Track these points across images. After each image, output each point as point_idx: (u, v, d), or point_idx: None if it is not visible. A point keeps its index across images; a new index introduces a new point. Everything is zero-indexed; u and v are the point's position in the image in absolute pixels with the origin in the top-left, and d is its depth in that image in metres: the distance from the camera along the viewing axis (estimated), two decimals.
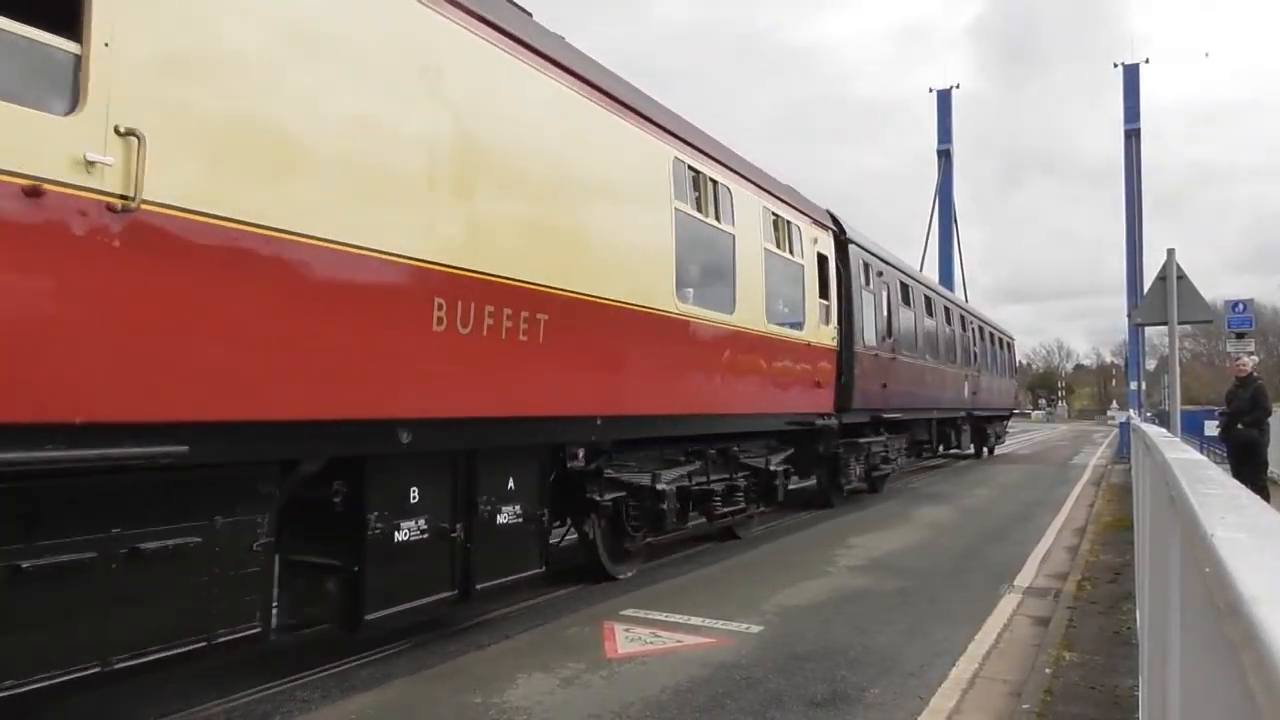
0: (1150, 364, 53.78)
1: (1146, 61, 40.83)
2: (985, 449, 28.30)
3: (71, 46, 3.61)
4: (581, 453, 7.21)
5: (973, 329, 23.98)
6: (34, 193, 3.36)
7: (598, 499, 7.72)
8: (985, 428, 27.07)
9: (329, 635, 6.38)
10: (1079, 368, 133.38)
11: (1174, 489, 2.20)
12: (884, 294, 14.82)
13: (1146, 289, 12.79)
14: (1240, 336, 17.66)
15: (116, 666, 3.83)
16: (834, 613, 7.31)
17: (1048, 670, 5.56)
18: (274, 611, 4.75)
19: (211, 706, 4.87)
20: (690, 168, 8.61)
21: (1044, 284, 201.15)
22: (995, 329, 28.07)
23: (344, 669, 5.57)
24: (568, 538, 8.53)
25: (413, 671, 5.58)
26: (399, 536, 5.35)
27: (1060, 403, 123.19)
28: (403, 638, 6.26)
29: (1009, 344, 31.11)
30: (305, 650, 5.94)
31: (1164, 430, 8.07)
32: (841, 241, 13.12)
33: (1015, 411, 34.88)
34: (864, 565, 9.47)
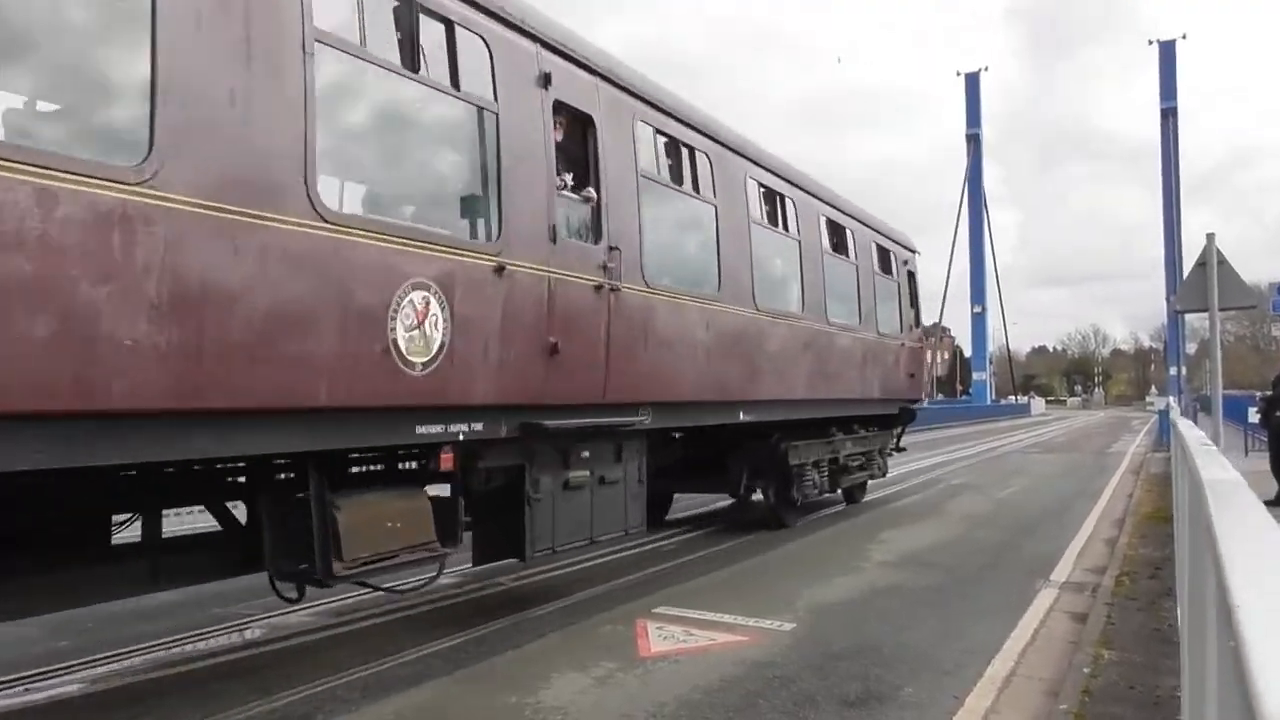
0: (1191, 348, 52.91)
1: (1183, 38, 39.95)
2: (800, 494, 11.30)
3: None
4: None
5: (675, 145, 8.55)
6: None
7: None
8: (763, 454, 10.73)
9: (368, 633, 6.50)
10: (1116, 353, 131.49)
11: (1206, 524, 2.18)
12: None
13: (1186, 273, 12.54)
14: None
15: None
16: (867, 609, 7.29)
17: (1086, 669, 5.51)
18: None
19: (254, 706, 4.96)
20: None
21: (1079, 267, 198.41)
22: (823, 198, 11.78)
23: (381, 669, 5.65)
24: None
25: (448, 671, 5.65)
26: None
27: (1096, 389, 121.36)
28: (438, 637, 6.33)
29: (894, 258, 14.41)
30: (343, 649, 6.04)
31: (1201, 435, 7.87)
32: None
33: (920, 404, 16.23)
34: (896, 560, 9.42)
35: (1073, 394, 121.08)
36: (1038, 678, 5.56)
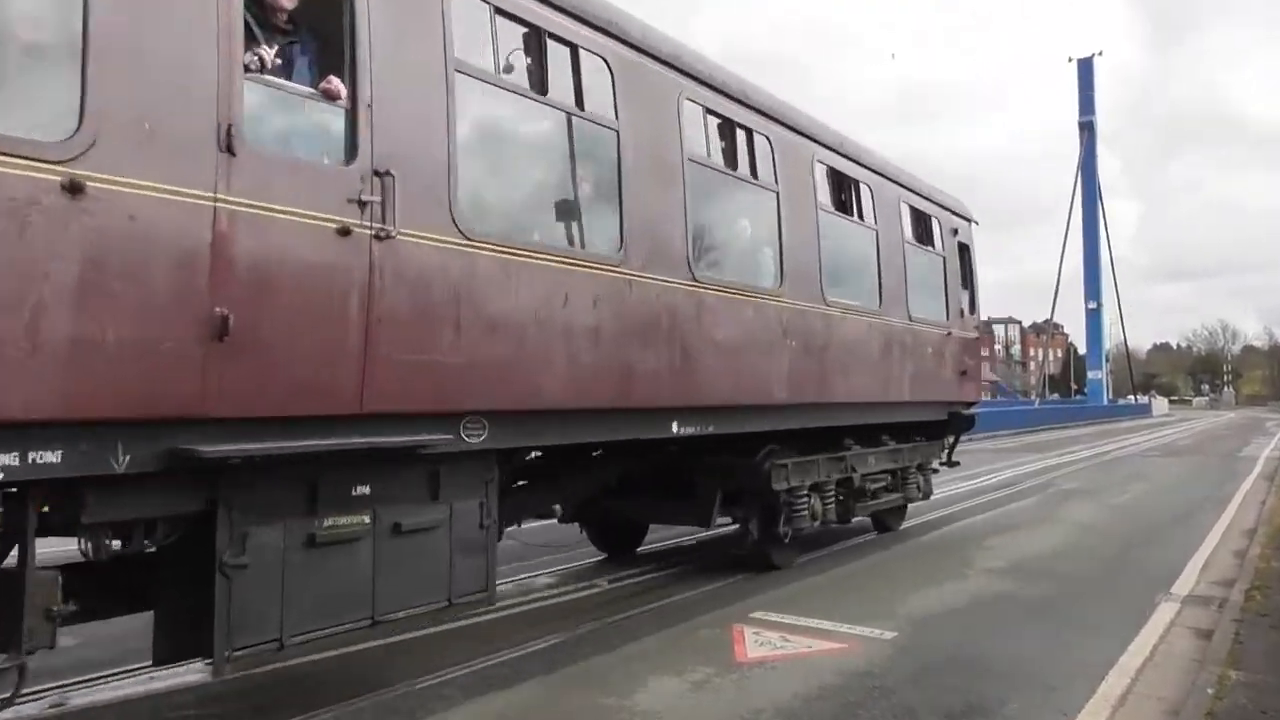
0: None
1: None
2: (790, 527, 8.65)
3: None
4: None
5: None
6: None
7: None
8: (742, 474, 8.29)
9: (466, 631, 6.66)
10: (1248, 349, 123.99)
11: None
12: None
13: None
14: None
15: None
16: (971, 619, 7.07)
17: (1210, 690, 5.19)
18: None
19: (360, 700, 5.14)
20: None
21: (1205, 259, 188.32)
22: (821, 139, 9.08)
23: (481, 667, 5.77)
24: None
25: (546, 671, 5.73)
26: None
27: (1225, 388, 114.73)
28: (536, 637, 6.43)
29: (939, 226, 11.54)
30: (444, 647, 6.19)
31: None
32: None
33: (972, 407, 12.58)
34: (1004, 568, 9.11)
35: (1199, 393, 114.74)
36: (1155, 697, 5.28)
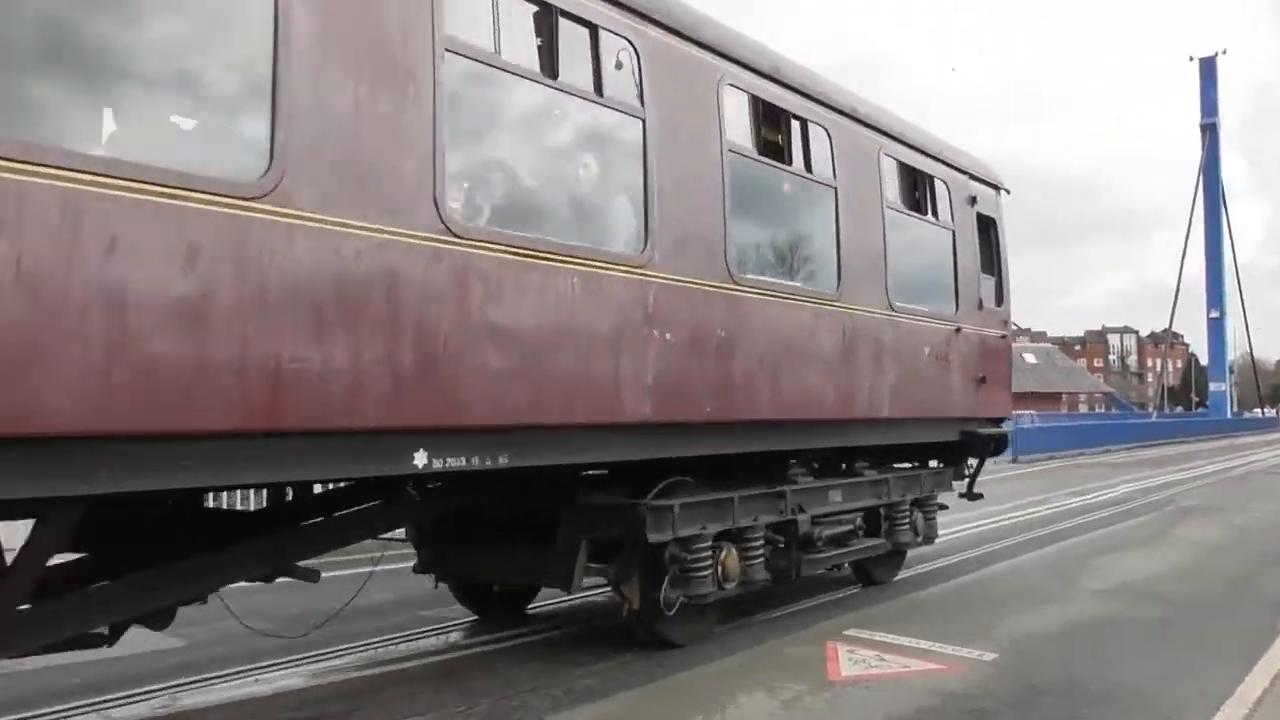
0: None
1: None
2: (682, 592, 6.30)
3: None
4: None
5: None
6: None
7: None
8: (615, 519, 6.16)
9: (558, 641, 6.74)
10: None
11: None
12: None
13: None
14: None
15: None
16: (1077, 642, 6.78)
17: None
18: None
19: (454, 709, 5.23)
20: None
21: None
22: (746, 61, 6.67)
23: (573, 679, 5.82)
24: None
25: (636, 685, 5.74)
26: None
27: None
28: (628, 649, 6.45)
29: (947, 191, 9.06)
30: (536, 658, 6.28)
31: None
32: None
33: (1000, 424, 10.02)
34: (1113, 590, 8.71)
35: None
36: None
